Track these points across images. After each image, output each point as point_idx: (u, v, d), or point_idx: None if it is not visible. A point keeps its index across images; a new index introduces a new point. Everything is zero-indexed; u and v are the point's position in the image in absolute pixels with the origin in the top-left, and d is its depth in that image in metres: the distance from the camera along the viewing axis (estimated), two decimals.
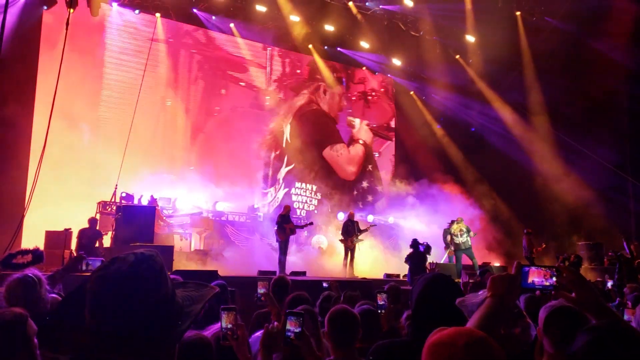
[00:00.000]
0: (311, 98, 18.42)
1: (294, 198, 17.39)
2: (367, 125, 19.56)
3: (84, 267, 3.69)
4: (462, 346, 1.25)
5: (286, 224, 12.66)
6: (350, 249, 13.68)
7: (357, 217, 14.83)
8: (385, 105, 20.36)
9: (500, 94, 18.32)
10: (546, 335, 2.51)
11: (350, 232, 13.76)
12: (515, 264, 1.80)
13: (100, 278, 1.25)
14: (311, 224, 13.44)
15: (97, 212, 11.94)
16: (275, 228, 12.74)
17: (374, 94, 20.09)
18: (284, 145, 17.64)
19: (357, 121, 19.45)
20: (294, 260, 13.87)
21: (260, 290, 3.67)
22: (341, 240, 13.97)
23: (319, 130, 18.38)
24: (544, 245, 13.97)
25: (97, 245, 10.96)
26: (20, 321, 2.23)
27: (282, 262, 12.46)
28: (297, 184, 17.60)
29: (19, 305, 2.51)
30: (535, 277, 1.80)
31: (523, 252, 14.26)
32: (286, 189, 17.40)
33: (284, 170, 17.56)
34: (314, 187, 17.83)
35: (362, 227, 14.05)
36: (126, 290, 1.23)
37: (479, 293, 1.95)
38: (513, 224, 16.94)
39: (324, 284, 4.94)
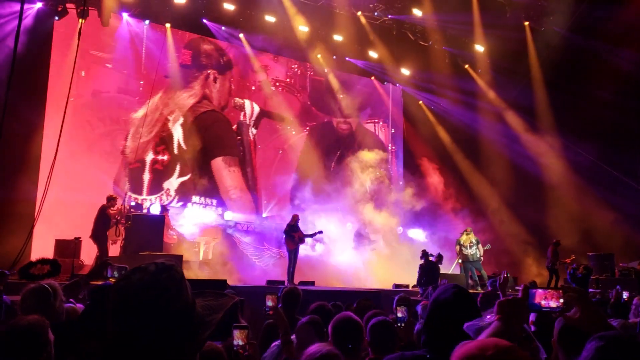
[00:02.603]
0: (203, 93, 15.94)
1: (192, 213, 15.07)
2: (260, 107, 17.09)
3: (109, 274, 3.66)
4: (490, 357, 1.24)
5: (294, 233, 12.69)
6: (362, 257, 13.83)
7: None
8: (292, 97, 17.97)
9: (509, 103, 18.29)
10: (560, 346, 2.53)
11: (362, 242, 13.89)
12: (522, 287, 1.83)
13: (122, 288, 1.28)
14: (320, 232, 13.43)
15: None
16: (284, 237, 12.77)
17: (278, 84, 17.73)
18: (175, 151, 15.25)
19: (246, 102, 16.94)
20: (303, 269, 13.82)
21: (269, 303, 3.62)
22: (354, 249, 14.05)
23: (218, 138, 16.01)
24: (573, 257, 13.77)
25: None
26: (43, 327, 2.23)
27: (291, 272, 12.47)
28: (195, 198, 15.34)
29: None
30: (542, 298, 1.82)
31: (546, 262, 14.12)
32: (181, 203, 14.98)
33: (175, 181, 15.17)
34: (214, 201, 15.65)
35: (372, 237, 14.07)
36: (148, 300, 1.25)
37: (486, 317, 1.94)
38: (523, 234, 16.84)
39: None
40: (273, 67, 17.64)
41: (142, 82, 14.96)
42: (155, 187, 14.81)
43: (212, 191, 15.60)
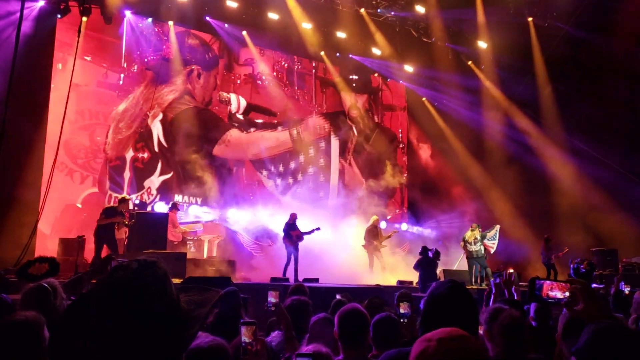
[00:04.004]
0: (185, 89, 15.32)
1: (192, 212, 14.74)
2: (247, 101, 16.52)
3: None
4: (436, 341, 1.30)
5: (292, 232, 12.78)
6: (374, 255, 14.03)
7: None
8: (280, 91, 17.33)
9: (513, 99, 18.23)
10: (564, 341, 2.56)
11: (374, 238, 14.12)
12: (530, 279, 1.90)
13: (104, 285, 1.27)
14: (318, 229, 13.45)
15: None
16: (283, 236, 12.87)
17: (264, 77, 17.13)
18: (156, 148, 14.75)
19: (232, 96, 16.39)
20: (307, 267, 13.82)
21: (271, 300, 3.62)
22: (364, 246, 14.22)
23: (202, 130, 15.35)
24: (566, 250, 13.87)
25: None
26: (39, 323, 2.23)
27: (295, 269, 12.57)
28: (177, 197, 14.75)
29: None
30: (548, 290, 1.85)
31: (541, 259, 14.16)
32: (163, 202, 14.23)
33: (157, 180, 14.66)
34: (199, 200, 15.01)
35: (384, 234, 14.29)
36: (130, 297, 1.24)
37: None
38: (526, 230, 16.79)
39: (337, 296, 4.88)
40: (258, 62, 17.05)
41: (122, 75, 14.45)
42: (136, 185, 14.34)
43: (196, 190, 14.89)
